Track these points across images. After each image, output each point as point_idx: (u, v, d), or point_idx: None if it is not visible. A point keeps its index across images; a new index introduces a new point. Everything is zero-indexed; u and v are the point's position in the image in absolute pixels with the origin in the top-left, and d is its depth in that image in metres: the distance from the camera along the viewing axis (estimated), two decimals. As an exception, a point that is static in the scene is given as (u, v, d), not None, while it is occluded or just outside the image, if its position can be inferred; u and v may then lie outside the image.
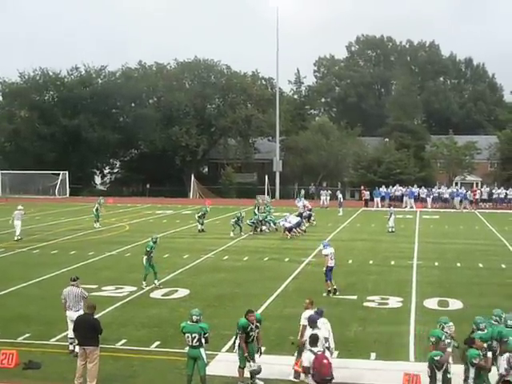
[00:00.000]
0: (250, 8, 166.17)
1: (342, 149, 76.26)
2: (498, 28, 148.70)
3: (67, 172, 72.07)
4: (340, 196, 54.34)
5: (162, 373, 14.85)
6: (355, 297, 21.88)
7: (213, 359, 15.18)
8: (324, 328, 13.91)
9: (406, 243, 35.23)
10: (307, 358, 12.49)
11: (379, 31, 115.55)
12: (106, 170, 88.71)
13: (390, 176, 68.42)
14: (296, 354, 14.25)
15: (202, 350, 13.55)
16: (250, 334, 13.94)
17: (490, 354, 12.36)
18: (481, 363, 11.80)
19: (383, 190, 60.16)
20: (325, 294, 21.94)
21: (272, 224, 40.30)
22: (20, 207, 37.54)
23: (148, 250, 23.70)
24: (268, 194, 65.06)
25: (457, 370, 12.36)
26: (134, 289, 22.94)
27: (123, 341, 16.98)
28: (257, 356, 14.09)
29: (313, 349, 12.52)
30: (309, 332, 13.43)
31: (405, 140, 77.42)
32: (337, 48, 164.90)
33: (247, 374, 14.05)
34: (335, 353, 15.78)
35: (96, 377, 13.87)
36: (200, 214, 40.18)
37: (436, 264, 28.55)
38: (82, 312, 15.60)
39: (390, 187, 60.57)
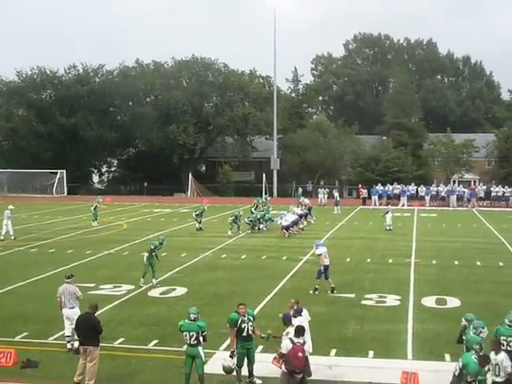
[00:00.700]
0: (247, 6, 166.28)
1: (340, 147, 76.29)
2: (495, 26, 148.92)
3: (65, 171, 72.04)
4: (336, 195, 54.32)
5: (160, 371, 14.86)
6: (353, 295, 21.88)
7: (211, 357, 15.17)
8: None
9: (404, 241, 35.26)
10: (285, 345, 12.54)
11: (376, 29, 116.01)
12: (104, 169, 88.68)
13: (387, 174, 68.41)
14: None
15: (200, 348, 13.55)
16: (242, 326, 13.86)
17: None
18: None
19: (380, 188, 60.14)
20: (311, 292, 21.92)
21: (270, 222, 40.34)
22: (11, 207, 37.40)
23: (152, 248, 23.69)
24: (266, 193, 65.07)
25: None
26: (132, 287, 22.94)
27: (121, 339, 16.97)
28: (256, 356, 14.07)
29: (294, 339, 12.56)
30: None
31: (402, 138, 77.44)
32: (334, 46, 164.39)
33: (245, 373, 14.05)
34: (333, 351, 15.85)
35: (95, 376, 13.87)
36: (198, 212, 40.18)
37: (434, 262, 28.58)
38: (77, 309, 15.69)
39: (388, 185, 60.54)
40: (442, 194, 59.36)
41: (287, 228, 37.67)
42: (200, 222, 39.90)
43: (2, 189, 73.06)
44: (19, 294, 22.31)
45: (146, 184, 76.95)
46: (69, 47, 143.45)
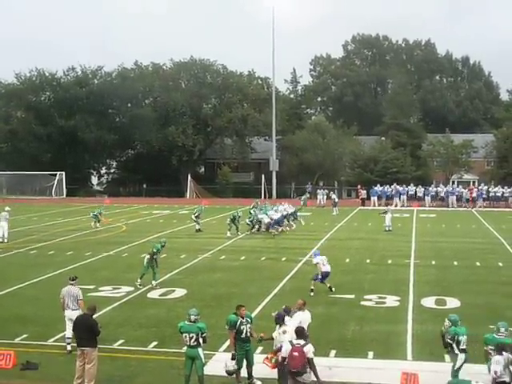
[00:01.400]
0: (245, 8, 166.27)
1: (339, 148, 76.32)
2: (494, 26, 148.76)
3: (64, 172, 72.00)
4: (334, 196, 54.26)
5: (160, 373, 14.85)
6: (352, 296, 21.87)
7: (210, 359, 15.16)
8: (293, 325, 13.86)
9: (403, 242, 35.24)
10: (286, 349, 12.53)
11: (375, 30, 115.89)
12: (103, 171, 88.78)
13: (386, 175, 68.45)
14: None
15: (199, 349, 13.54)
16: (241, 328, 13.87)
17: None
18: None
19: (379, 188, 60.11)
20: (311, 294, 21.79)
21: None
22: (7, 209, 37.42)
23: (154, 251, 23.68)
24: (265, 194, 65.05)
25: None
26: (132, 289, 22.93)
27: (121, 341, 16.97)
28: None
29: (294, 340, 12.53)
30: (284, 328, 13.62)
31: (401, 139, 77.46)
32: (333, 47, 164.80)
33: (245, 374, 14.05)
34: (333, 352, 15.84)
35: (94, 378, 13.86)
36: (196, 213, 40.18)
37: (433, 263, 28.58)
38: (80, 311, 15.63)
39: (388, 186, 60.51)
40: (442, 195, 59.37)
41: (269, 226, 37.74)
42: (199, 224, 39.92)
43: (1, 191, 73.07)
44: (19, 295, 22.30)
45: (144, 185, 77.08)
46: (67, 50, 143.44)
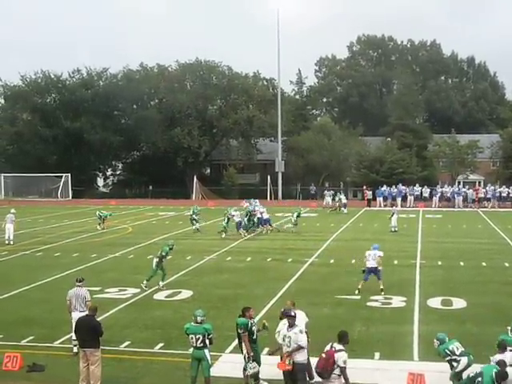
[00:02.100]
0: (250, 9, 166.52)
1: (344, 149, 76.29)
2: (499, 26, 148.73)
3: (69, 174, 72.09)
4: (342, 197, 54.36)
5: (166, 374, 14.85)
6: (358, 297, 21.86)
7: (217, 360, 15.17)
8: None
9: (409, 243, 35.21)
10: (325, 349, 12.65)
11: (380, 31, 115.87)
12: (109, 172, 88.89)
13: (392, 175, 68.35)
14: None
15: (206, 351, 13.54)
16: (253, 329, 13.89)
17: None
18: None
19: (385, 189, 60.05)
20: (356, 292, 22.18)
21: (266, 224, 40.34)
22: (13, 211, 37.54)
23: (163, 254, 23.71)
24: (271, 196, 65.06)
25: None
26: (138, 290, 22.94)
27: (127, 343, 16.99)
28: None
29: (334, 343, 12.58)
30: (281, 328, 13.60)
31: (407, 139, 77.33)
32: (338, 48, 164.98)
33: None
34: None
35: (99, 379, 13.87)
36: (193, 215, 40.47)
37: (439, 263, 28.53)
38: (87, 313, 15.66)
39: (393, 187, 60.40)
40: (448, 195, 59.30)
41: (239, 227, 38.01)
42: (197, 223, 40.37)
43: (7, 193, 73.24)
44: (25, 297, 22.34)
45: (150, 187, 77.17)
46: (72, 52, 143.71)
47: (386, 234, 39.09)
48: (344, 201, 53.55)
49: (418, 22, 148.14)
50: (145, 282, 23.26)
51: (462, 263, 28.46)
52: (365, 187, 62.40)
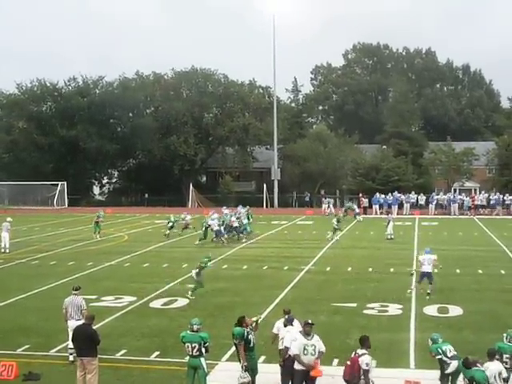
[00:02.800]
0: (246, 17, 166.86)
1: (340, 156, 76.31)
2: (494, 34, 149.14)
3: (65, 182, 71.93)
4: (354, 206, 54.74)
5: (162, 383, 14.83)
6: (355, 304, 21.85)
7: (213, 369, 15.15)
8: (296, 329, 14.03)
9: (406, 250, 35.18)
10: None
11: (375, 39, 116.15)
12: (105, 180, 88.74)
13: (388, 183, 68.39)
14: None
15: (202, 359, 13.51)
16: (249, 338, 13.86)
17: None
18: None
19: (381, 196, 60.02)
20: (428, 298, 22.75)
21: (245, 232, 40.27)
22: (9, 219, 37.48)
23: (203, 266, 23.79)
24: (266, 203, 65.08)
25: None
26: (134, 299, 22.91)
27: (123, 351, 16.95)
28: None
29: (358, 349, 12.79)
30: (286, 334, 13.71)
31: (402, 147, 77.43)
32: (333, 56, 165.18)
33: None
34: (336, 360, 15.81)
35: (96, 388, 13.85)
36: (172, 223, 40.89)
37: (435, 271, 28.49)
38: (82, 322, 15.61)
39: (389, 194, 60.39)
40: (444, 203, 59.33)
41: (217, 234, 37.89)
42: (170, 229, 40.99)
43: (2, 201, 73.04)
44: (21, 306, 22.29)
45: (146, 195, 77.02)
46: (68, 61, 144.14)
47: (382, 241, 39.10)
48: (357, 210, 53.85)
49: (413, 29, 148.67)
50: (190, 292, 23.14)
51: (458, 270, 28.48)
52: (361, 195, 62.42)
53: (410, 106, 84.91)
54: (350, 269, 29.05)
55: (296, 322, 14.50)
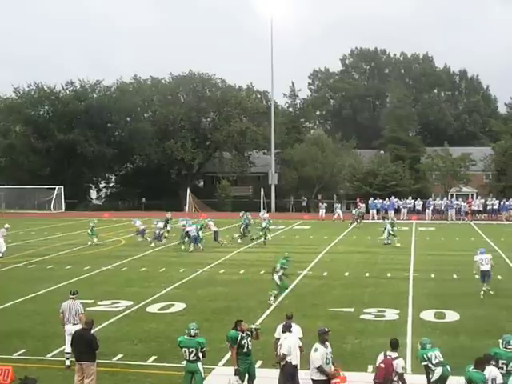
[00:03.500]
0: (244, 22, 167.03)
1: (338, 161, 76.31)
2: (491, 40, 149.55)
3: (63, 187, 71.91)
4: (362, 210, 54.89)
5: (159, 387, 14.81)
6: (352, 309, 21.85)
7: (210, 373, 15.13)
8: (294, 334, 14.09)
9: (403, 255, 35.22)
10: (380, 357, 12.88)
11: (373, 44, 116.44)
12: (102, 185, 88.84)
13: (385, 188, 68.45)
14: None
15: (199, 364, 13.51)
16: (243, 342, 13.83)
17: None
18: None
19: (379, 201, 60.01)
20: (482, 294, 23.68)
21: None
22: (7, 226, 37.30)
23: (285, 267, 23.62)
24: (264, 208, 65.02)
25: None
26: (131, 303, 22.88)
27: (120, 355, 16.93)
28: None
29: (388, 352, 12.85)
30: (284, 341, 13.65)
31: (400, 152, 77.59)
32: (331, 61, 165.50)
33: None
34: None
35: (93, 392, 13.83)
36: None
37: (432, 276, 28.56)
38: (80, 326, 15.59)
39: (387, 199, 60.38)
40: (441, 208, 59.37)
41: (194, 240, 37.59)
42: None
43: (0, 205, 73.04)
44: (17, 310, 22.24)
45: (143, 200, 76.96)
46: (66, 65, 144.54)
47: (379, 246, 39.12)
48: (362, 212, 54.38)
49: (410, 35, 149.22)
50: (272, 298, 22.99)
51: (455, 276, 28.50)
52: (358, 200, 62.41)
53: (407, 111, 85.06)
54: (347, 274, 29.05)
55: (296, 328, 14.49)
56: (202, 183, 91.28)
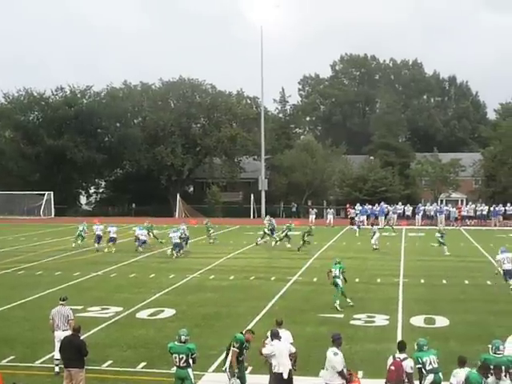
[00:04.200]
0: (234, 28, 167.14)
1: (327, 167, 76.50)
2: (480, 46, 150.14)
3: (52, 192, 71.73)
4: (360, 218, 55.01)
5: (149, 394, 14.76)
6: (342, 315, 21.85)
7: (200, 379, 15.09)
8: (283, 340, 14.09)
9: (392, 261, 35.27)
10: (389, 361, 13.02)
11: (363, 50, 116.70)
12: (92, 190, 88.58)
13: (375, 194, 68.63)
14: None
15: (189, 370, 13.47)
16: (243, 351, 13.86)
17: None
18: None
19: (369, 207, 60.07)
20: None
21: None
22: None
23: (343, 270, 23.77)
24: (254, 214, 65.13)
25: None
26: (120, 309, 22.80)
27: (109, 362, 16.85)
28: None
29: (396, 354, 13.00)
30: (271, 345, 13.71)
31: (389, 158, 77.84)
32: (321, 67, 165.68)
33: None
34: (322, 371, 15.74)
35: (82, 399, 13.76)
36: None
37: (422, 281, 28.60)
38: (69, 332, 15.52)
39: (376, 205, 60.48)
40: (431, 213, 59.52)
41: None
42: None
43: (-12, 211, 72.72)
44: (6, 317, 22.11)
45: (133, 205, 76.80)
46: (55, 71, 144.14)
47: (369, 252, 39.17)
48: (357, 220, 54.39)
49: (400, 41, 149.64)
50: (337, 301, 22.96)
51: (444, 281, 28.55)
52: (348, 205, 62.54)
53: (396, 117, 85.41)
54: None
55: (285, 334, 14.46)
56: (191, 189, 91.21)
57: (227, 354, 14.02)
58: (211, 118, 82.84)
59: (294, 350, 14.00)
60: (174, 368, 13.65)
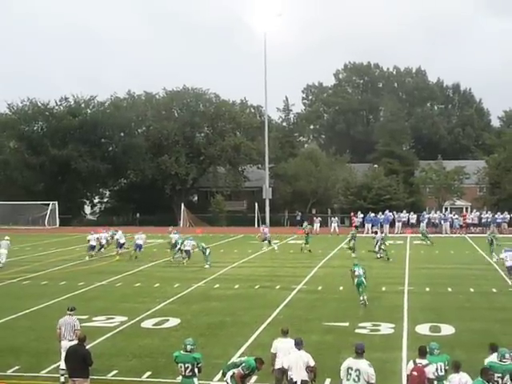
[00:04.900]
0: (237, 36, 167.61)
1: (331, 175, 76.41)
2: (484, 53, 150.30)
3: (57, 202, 71.87)
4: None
5: (154, 403, 14.74)
6: (347, 324, 21.82)
7: (205, 389, 15.08)
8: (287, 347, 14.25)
9: (397, 269, 35.22)
10: (409, 365, 13.16)
11: (366, 58, 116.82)
12: (96, 200, 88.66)
13: (379, 202, 68.53)
14: None
15: (195, 379, 13.47)
16: (248, 377, 13.88)
17: None
18: None
19: (372, 215, 60.03)
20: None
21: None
22: (7, 238, 37.76)
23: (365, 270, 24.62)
24: (258, 223, 65.04)
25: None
26: (125, 319, 22.80)
27: (114, 371, 16.83)
28: None
29: (417, 359, 13.04)
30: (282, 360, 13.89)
31: (393, 166, 77.76)
32: (325, 75, 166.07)
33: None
34: (328, 380, 15.75)
35: (87, 409, 13.76)
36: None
37: (427, 289, 28.55)
38: (76, 342, 15.53)
39: (380, 213, 60.44)
40: (435, 221, 59.44)
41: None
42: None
43: (-7, 221, 72.83)
44: (11, 326, 22.13)
45: (138, 215, 76.87)
46: (59, 81, 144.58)
47: (373, 260, 39.07)
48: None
49: (403, 49, 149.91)
50: (365, 296, 23.59)
51: (449, 289, 28.49)
52: (352, 214, 62.51)
53: (400, 125, 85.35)
54: (341, 288, 29.01)
55: (291, 343, 14.48)
56: (196, 198, 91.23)
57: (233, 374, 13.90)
58: (215, 127, 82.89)
59: (312, 363, 13.96)
60: (180, 377, 13.64)
